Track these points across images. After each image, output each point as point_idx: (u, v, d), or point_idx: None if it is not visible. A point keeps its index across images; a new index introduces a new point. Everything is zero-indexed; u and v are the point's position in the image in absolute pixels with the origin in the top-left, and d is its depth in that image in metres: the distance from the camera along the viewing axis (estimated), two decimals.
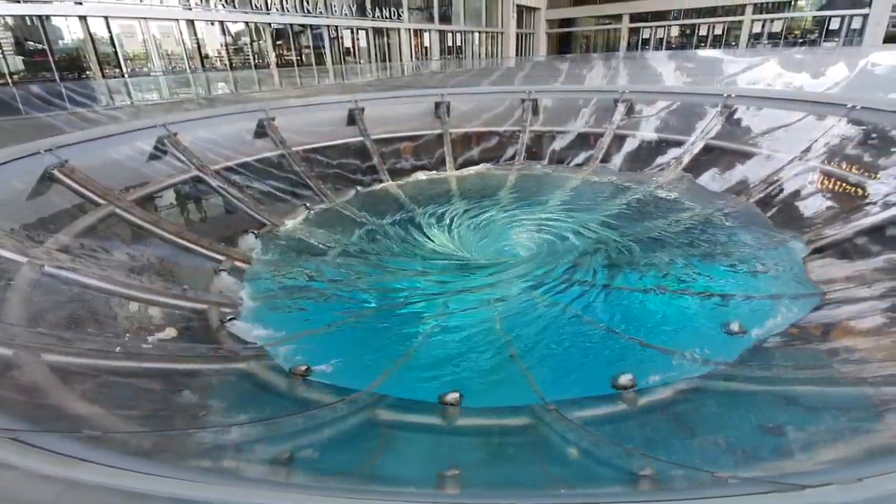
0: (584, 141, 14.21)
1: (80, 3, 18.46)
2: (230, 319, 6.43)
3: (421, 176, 13.70)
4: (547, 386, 5.09)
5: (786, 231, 8.44)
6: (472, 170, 14.15)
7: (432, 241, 9.47)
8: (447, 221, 10.36)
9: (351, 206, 11.51)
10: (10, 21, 17.67)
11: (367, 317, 6.84)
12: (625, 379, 5.05)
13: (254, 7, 25.03)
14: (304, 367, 5.46)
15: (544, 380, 5.25)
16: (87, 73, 19.82)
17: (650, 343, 5.81)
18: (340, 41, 30.95)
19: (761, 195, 9.72)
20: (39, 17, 18.01)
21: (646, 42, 47.65)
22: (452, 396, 4.93)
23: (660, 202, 10.67)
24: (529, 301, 7.05)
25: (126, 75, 20.81)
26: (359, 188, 12.59)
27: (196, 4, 22.38)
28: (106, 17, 19.56)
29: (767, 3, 40.56)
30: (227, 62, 25.12)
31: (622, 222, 9.70)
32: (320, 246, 9.28)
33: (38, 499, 2.05)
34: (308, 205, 11.15)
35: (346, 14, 30.29)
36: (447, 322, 6.61)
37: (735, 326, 5.92)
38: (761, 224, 8.99)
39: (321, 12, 28.45)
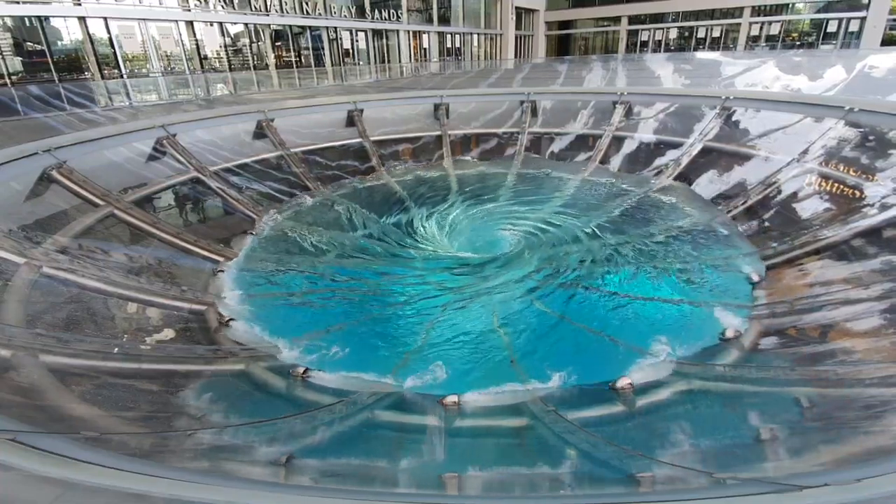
0: (583, 142, 14.23)
1: (79, 4, 18.44)
2: (229, 321, 6.43)
3: (420, 173, 13.72)
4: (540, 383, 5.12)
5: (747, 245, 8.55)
6: (470, 171, 14.17)
7: (427, 238, 9.53)
8: (440, 221, 10.42)
9: (345, 199, 11.56)
10: (9, 22, 17.64)
11: (363, 319, 6.84)
12: (623, 382, 5.06)
13: (253, 8, 25.02)
14: (302, 369, 5.46)
15: (540, 379, 5.26)
16: (86, 74, 19.79)
17: (636, 345, 5.83)
18: (339, 42, 30.96)
19: (758, 197, 9.73)
20: (38, 17, 17.99)
21: (644, 44, 47.73)
22: (451, 399, 4.93)
23: (647, 211, 10.69)
24: (524, 302, 7.09)
25: (125, 76, 20.78)
26: (357, 185, 12.61)
27: (195, 6, 22.38)
28: (105, 19, 19.53)
29: (765, 5, 40.69)
30: (226, 63, 25.11)
31: (608, 229, 9.74)
32: (315, 244, 9.28)
33: (37, 500, 2.05)
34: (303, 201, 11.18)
35: (345, 16, 30.30)
36: (444, 322, 6.62)
37: (731, 332, 5.95)
38: (734, 238, 8.98)
39: (320, 14, 28.46)
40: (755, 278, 7.40)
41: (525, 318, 6.69)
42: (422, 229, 10.02)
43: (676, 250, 8.56)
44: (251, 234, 9.41)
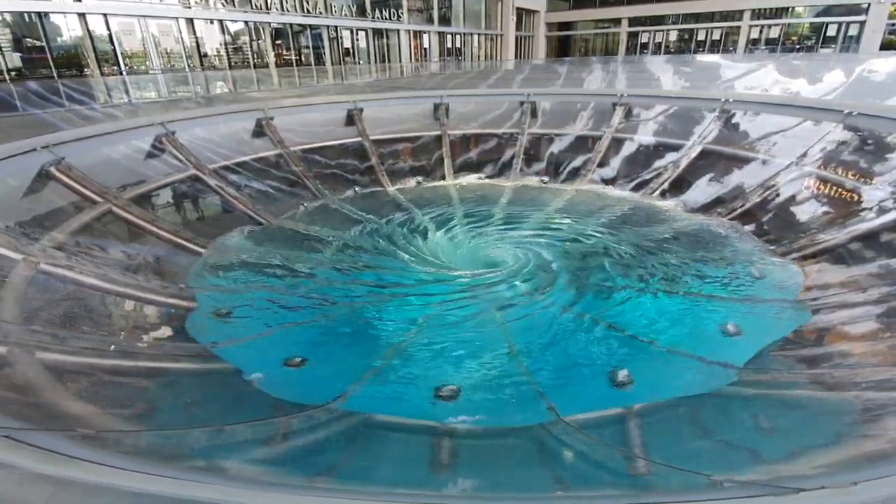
0: (583, 144, 14.22)
1: (80, 1, 18.41)
2: (227, 314, 6.42)
3: (419, 179, 13.77)
4: (546, 388, 5.10)
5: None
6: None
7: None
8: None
9: (347, 203, 11.54)
10: (8, 18, 17.61)
11: (358, 312, 6.83)
12: (622, 375, 5.07)
13: (253, 6, 25.01)
14: (299, 359, 5.48)
15: (543, 382, 5.25)
16: (86, 70, 19.76)
17: (665, 347, 5.82)
18: (340, 41, 30.96)
19: (757, 200, 9.75)
20: (38, 14, 17.95)
21: (644, 46, 47.85)
22: (450, 389, 4.93)
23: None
24: (527, 301, 7.05)
25: (124, 73, 20.75)
26: (357, 188, 12.62)
27: (195, 3, 22.35)
28: (105, 15, 19.51)
29: (765, 9, 40.81)
30: (226, 61, 25.09)
31: (616, 229, 9.73)
32: (313, 244, 9.27)
33: (32, 497, 2.04)
34: (305, 204, 11.16)
35: (345, 14, 30.31)
36: (441, 321, 6.60)
37: (731, 328, 5.95)
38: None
39: (321, 12, 28.45)
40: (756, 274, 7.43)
41: (530, 320, 6.65)
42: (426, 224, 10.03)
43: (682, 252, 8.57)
44: (251, 231, 9.42)
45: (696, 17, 44.19)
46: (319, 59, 29.77)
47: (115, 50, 20.42)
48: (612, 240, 9.15)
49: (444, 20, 39.20)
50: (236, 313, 6.61)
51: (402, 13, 33.86)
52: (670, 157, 12.47)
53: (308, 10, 27.57)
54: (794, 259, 7.72)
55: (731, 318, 6.30)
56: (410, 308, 7.00)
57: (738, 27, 42.06)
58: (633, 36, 48.18)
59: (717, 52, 43.16)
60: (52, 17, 18.59)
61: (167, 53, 22.62)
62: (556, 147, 14.54)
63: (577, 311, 6.73)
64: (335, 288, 7.62)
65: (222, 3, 23.67)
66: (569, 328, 6.37)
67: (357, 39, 32.24)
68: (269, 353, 5.79)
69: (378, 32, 33.41)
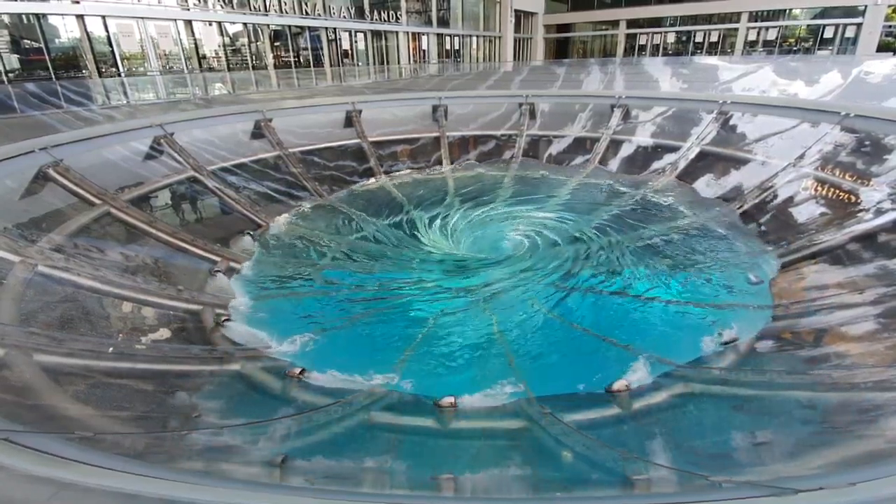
0: (581, 145, 14.27)
1: (78, 2, 18.38)
2: (225, 321, 6.40)
3: (417, 176, 13.75)
4: (539, 387, 5.11)
5: (765, 244, 8.53)
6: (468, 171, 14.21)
7: (427, 240, 9.53)
8: (443, 221, 10.42)
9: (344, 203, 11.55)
10: (6, 19, 17.57)
11: (361, 318, 6.83)
12: (619, 384, 5.06)
13: (252, 8, 24.99)
14: (298, 370, 5.44)
15: (538, 381, 5.25)
16: (84, 72, 19.72)
17: (636, 348, 5.83)
18: (338, 43, 30.95)
19: (755, 201, 9.78)
20: (36, 15, 17.92)
21: (642, 48, 47.93)
22: (447, 401, 4.92)
23: (650, 209, 10.75)
24: (523, 304, 7.08)
25: (123, 75, 20.72)
26: (355, 190, 12.61)
27: (194, 5, 22.33)
28: (103, 17, 19.48)
29: (763, 11, 40.95)
30: (225, 63, 25.06)
31: (611, 228, 9.76)
32: (316, 245, 9.27)
33: (30, 499, 2.03)
34: (304, 206, 11.14)
35: (344, 16, 30.30)
36: (442, 323, 6.60)
37: (728, 335, 5.96)
38: (743, 235, 9.03)
39: (319, 14, 28.44)
40: (753, 279, 7.44)
41: (527, 321, 6.67)
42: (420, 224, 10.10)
43: (669, 255, 8.59)
44: (249, 233, 9.41)
45: (694, 20, 44.28)
46: (318, 61, 29.74)
47: (113, 51, 20.39)
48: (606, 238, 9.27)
49: (443, 22, 39.21)
50: (234, 319, 6.61)
51: (400, 15, 33.87)
52: (668, 158, 12.51)
53: (307, 12, 27.56)
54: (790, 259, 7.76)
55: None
56: (414, 311, 7.03)
57: (736, 29, 42.15)
58: (631, 38, 48.25)
59: (715, 53, 43.25)
60: (51, 19, 18.55)
61: (165, 55, 22.57)
62: (554, 148, 14.58)
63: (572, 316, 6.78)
64: (339, 293, 7.65)
65: (221, 5, 23.65)
66: (565, 331, 6.41)
67: (356, 41, 32.23)
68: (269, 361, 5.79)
69: (377, 34, 33.40)
